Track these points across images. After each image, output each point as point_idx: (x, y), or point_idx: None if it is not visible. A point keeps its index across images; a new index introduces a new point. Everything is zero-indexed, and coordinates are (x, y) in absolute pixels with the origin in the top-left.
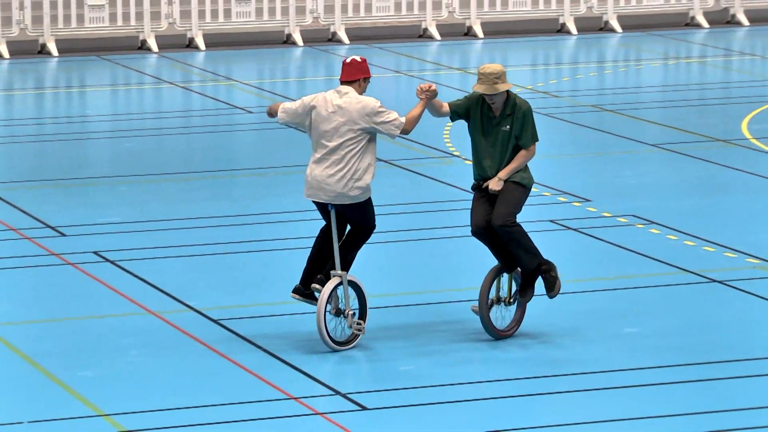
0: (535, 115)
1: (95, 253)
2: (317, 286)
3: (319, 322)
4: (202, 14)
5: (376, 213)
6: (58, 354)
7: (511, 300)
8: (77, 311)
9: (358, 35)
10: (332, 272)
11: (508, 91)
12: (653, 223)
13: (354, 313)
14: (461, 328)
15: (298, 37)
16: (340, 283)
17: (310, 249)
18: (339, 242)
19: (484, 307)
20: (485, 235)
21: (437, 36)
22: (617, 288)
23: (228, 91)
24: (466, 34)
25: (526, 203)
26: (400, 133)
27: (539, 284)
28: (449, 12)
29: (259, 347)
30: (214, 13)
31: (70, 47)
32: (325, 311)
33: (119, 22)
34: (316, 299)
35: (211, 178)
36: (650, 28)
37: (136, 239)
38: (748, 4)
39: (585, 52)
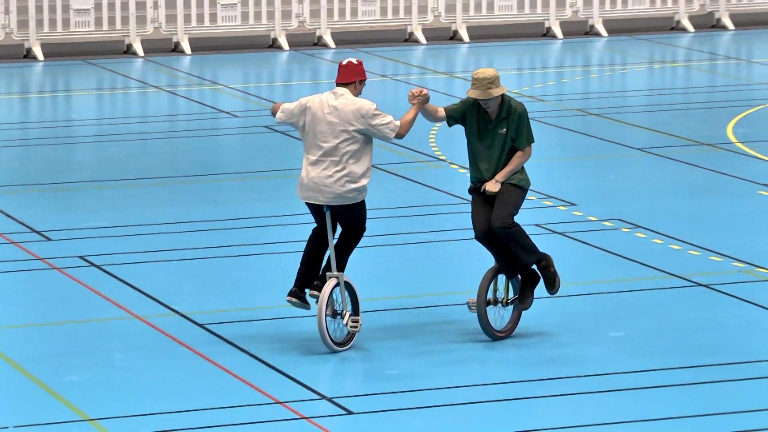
0: None
1: (81, 257)
2: (315, 292)
3: (320, 325)
4: (187, 18)
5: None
6: (43, 358)
7: (508, 302)
8: (63, 315)
9: (344, 39)
10: (328, 274)
11: (502, 95)
12: (639, 227)
13: (350, 313)
14: (455, 329)
15: (283, 42)
16: (338, 284)
17: (302, 252)
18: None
19: (482, 306)
20: (489, 239)
21: (423, 40)
22: (602, 292)
23: (214, 96)
24: (451, 38)
25: None
26: (395, 136)
27: (539, 287)
28: (435, 16)
29: (245, 351)
30: (200, 18)
31: (55, 51)
32: (326, 314)
33: (105, 27)
34: (308, 303)
35: (197, 182)
36: (636, 32)
37: (122, 243)
38: (733, 9)
39: (570, 56)
